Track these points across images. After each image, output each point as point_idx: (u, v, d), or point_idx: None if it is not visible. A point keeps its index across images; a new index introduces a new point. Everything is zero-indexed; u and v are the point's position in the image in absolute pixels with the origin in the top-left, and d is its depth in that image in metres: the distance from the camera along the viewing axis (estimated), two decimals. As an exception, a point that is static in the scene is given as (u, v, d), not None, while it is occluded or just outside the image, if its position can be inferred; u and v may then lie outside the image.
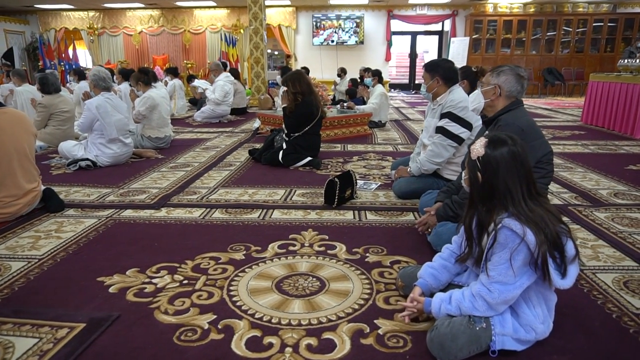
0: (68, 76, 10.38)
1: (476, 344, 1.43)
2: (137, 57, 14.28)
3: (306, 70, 10.38)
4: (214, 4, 13.36)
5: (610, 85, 6.40)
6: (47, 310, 1.76)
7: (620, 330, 1.63)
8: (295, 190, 3.44)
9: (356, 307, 1.79)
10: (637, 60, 6.41)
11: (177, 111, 8.57)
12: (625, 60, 6.66)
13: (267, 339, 1.58)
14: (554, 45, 13.12)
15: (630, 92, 5.91)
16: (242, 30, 13.59)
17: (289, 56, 14.30)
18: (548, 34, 13.03)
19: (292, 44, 14.13)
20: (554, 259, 1.42)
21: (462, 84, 4.15)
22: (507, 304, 1.47)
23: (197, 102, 8.80)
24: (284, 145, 4.31)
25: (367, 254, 2.29)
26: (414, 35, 14.88)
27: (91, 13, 14.04)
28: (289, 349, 1.53)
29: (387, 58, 14.20)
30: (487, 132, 2.27)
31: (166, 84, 8.31)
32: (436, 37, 14.89)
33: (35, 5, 13.27)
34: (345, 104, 7.99)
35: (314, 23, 13.72)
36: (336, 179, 3.01)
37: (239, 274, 2.07)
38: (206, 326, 1.66)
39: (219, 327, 1.66)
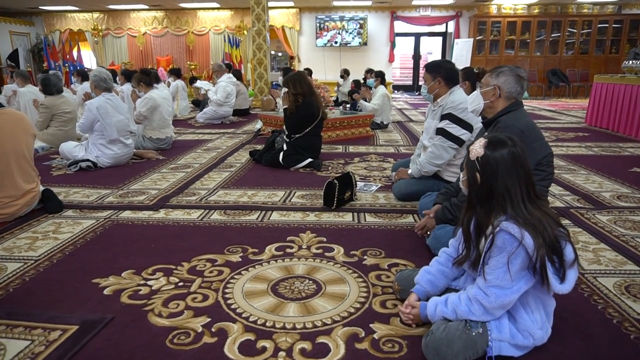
0: (72, 77, 10.41)
1: (472, 350, 1.41)
2: (141, 58, 14.32)
3: (309, 71, 10.38)
4: (217, 5, 13.38)
5: (615, 86, 6.35)
6: (41, 312, 1.74)
7: (621, 336, 1.60)
8: (295, 192, 3.42)
9: (352, 310, 1.77)
10: (642, 62, 6.35)
11: (179, 112, 8.59)
12: (630, 62, 6.61)
13: (261, 343, 1.56)
14: (558, 46, 13.05)
15: (635, 93, 5.86)
16: (245, 32, 13.61)
17: (292, 57, 14.30)
18: (552, 35, 12.95)
19: (296, 45, 14.13)
20: (553, 263, 1.40)
21: (463, 85, 4.12)
22: (504, 308, 1.44)
23: (199, 103, 8.81)
24: (285, 147, 4.29)
25: (365, 257, 2.27)
26: (417, 36, 14.84)
27: (95, 14, 14.10)
28: (282, 353, 1.51)
29: (391, 59, 14.16)
30: (486, 133, 2.24)
31: (169, 85, 8.32)
32: (440, 39, 14.84)
33: (41, 7, 13.34)
34: (347, 106, 7.98)
35: (318, 24, 13.71)
36: (335, 181, 2.99)
37: (235, 277, 2.06)
38: (200, 329, 1.64)
39: (213, 330, 1.64)
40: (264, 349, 1.53)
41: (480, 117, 2.45)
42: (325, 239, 2.50)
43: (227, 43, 12.53)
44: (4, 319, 1.70)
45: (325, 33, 13.78)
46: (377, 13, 13.78)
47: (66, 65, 12.29)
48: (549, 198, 3.18)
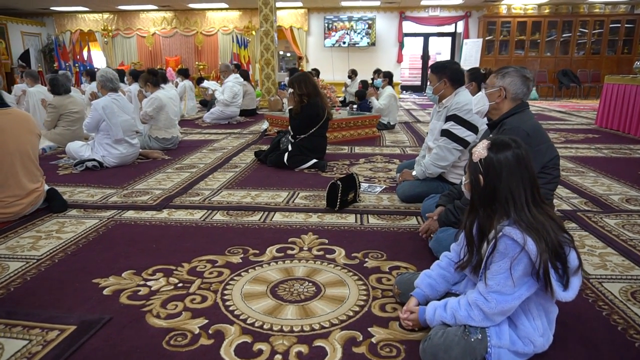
0: (82, 77, 10.51)
1: (470, 356, 1.38)
2: (150, 58, 14.41)
3: (316, 72, 10.37)
4: (226, 5, 13.42)
5: (626, 87, 6.25)
6: (40, 312, 1.75)
7: (625, 344, 1.56)
8: (299, 193, 3.41)
9: (351, 314, 1.75)
10: (654, 62, 6.25)
11: (187, 112, 8.62)
12: (642, 62, 6.50)
13: (257, 346, 1.55)
14: (569, 46, 12.89)
15: (647, 94, 5.76)
16: (253, 32, 13.63)
17: (300, 58, 14.30)
18: (563, 35, 12.80)
19: (304, 45, 14.13)
20: (556, 269, 1.36)
21: (470, 86, 4.08)
22: (505, 315, 1.41)
23: (207, 103, 8.84)
24: (290, 147, 4.28)
25: (366, 259, 2.24)
26: (426, 36, 14.76)
27: (106, 15, 14.21)
28: (278, 356, 1.49)
29: (399, 60, 14.10)
30: (490, 135, 2.21)
31: (177, 85, 8.36)
32: (449, 39, 14.74)
33: (52, 8, 13.48)
34: (354, 106, 7.94)
35: (326, 25, 13.69)
36: (338, 182, 2.97)
37: (235, 278, 2.05)
38: (197, 331, 1.64)
39: (210, 332, 1.63)
40: (260, 351, 1.52)
41: (485, 119, 2.42)
42: (326, 241, 2.48)
43: (235, 43, 12.57)
44: (4, 318, 1.70)
45: (333, 33, 13.75)
46: (386, 13, 13.73)
47: (76, 65, 12.41)
48: (555, 200, 3.13)
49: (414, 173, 3.22)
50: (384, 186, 3.59)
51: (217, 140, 5.91)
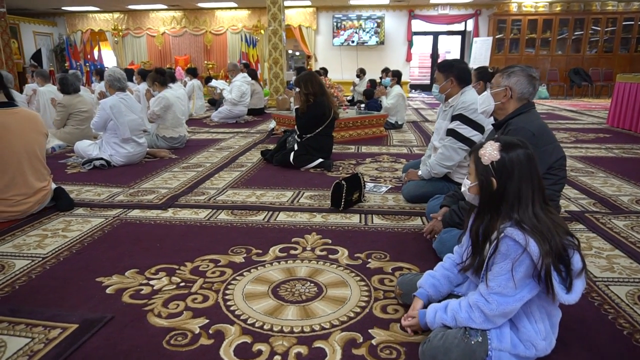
0: (92, 76, 10.62)
1: (470, 359, 1.36)
2: (160, 57, 14.51)
3: (324, 71, 10.36)
4: (235, 5, 13.47)
5: (639, 86, 6.14)
6: (43, 310, 1.76)
7: (631, 349, 1.53)
8: (304, 193, 3.41)
9: (352, 315, 1.74)
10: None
11: (195, 111, 8.66)
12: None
13: (257, 346, 1.55)
14: (581, 44, 12.72)
15: (659, 93, 5.66)
16: (262, 31, 13.66)
17: (309, 57, 14.30)
18: (575, 33, 12.63)
19: (312, 44, 14.12)
20: (559, 272, 1.34)
21: (477, 85, 4.05)
22: (506, 317, 1.39)
23: (215, 102, 8.87)
24: (296, 147, 4.28)
25: (369, 260, 2.23)
26: (435, 35, 14.67)
27: (116, 15, 14.34)
28: (277, 357, 1.49)
29: (408, 58, 14.03)
30: (496, 136, 2.18)
31: (185, 84, 8.40)
32: (458, 37, 14.64)
33: (63, 8, 13.63)
34: (362, 106, 7.91)
35: (335, 23, 13.67)
36: (343, 182, 2.96)
37: (237, 278, 2.05)
38: (197, 330, 1.64)
39: (210, 332, 1.63)
40: (260, 352, 1.52)
41: (492, 119, 2.39)
42: (330, 241, 2.47)
43: (244, 42, 12.61)
44: (8, 316, 1.72)
45: (342, 32, 13.73)
46: (395, 12, 13.67)
47: (87, 64, 12.53)
48: (563, 201, 3.09)
49: (419, 173, 3.19)
50: (390, 186, 3.57)
51: (224, 139, 5.92)
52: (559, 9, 12.59)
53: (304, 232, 2.61)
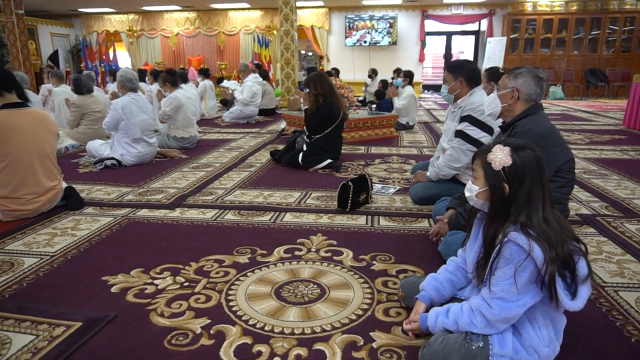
0: (107, 77, 10.76)
1: (471, 364, 1.34)
2: (174, 58, 14.66)
3: (336, 71, 10.34)
4: (248, 5, 13.54)
5: (656, 87, 6.02)
6: (49, 308, 1.79)
7: (638, 357, 1.49)
8: (311, 193, 3.40)
9: (353, 317, 1.73)
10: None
11: (207, 111, 8.72)
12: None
13: (257, 347, 1.55)
14: (597, 44, 12.50)
15: (678, 94, 5.53)
16: (275, 32, 13.70)
17: (321, 57, 14.30)
18: (592, 32, 12.42)
19: (325, 44, 14.12)
20: (564, 278, 1.31)
21: (488, 86, 3.99)
22: (508, 322, 1.37)
23: (227, 102, 8.92)
24: (305, 147, 4.28)
25: (374, 262, 2.22)
26: (449, 35, 14.56)
27: (131, 16, 14.52)
28: (277, 359, 1.49)
29: (421, 59, 13.95)
30: (502, 138, 2.15)
31: (197, 84, 8.47)
32: (472, 37, 14.50)
33: (79, 9, 13.85)
34: (373, 106, 7.89)
35: (347, 24, 13.66)
36: (350, 183, 2.95)
37: (240, 278, 2.05)
38: (198, 330, 1.64)
39: (211, 332, 1.64)
40: (260, 353, 1.52)
41: (500, 120, 2.36)
42: (335, 242, 2.46)
43: (256, 43, 12.66)
44: (14, 313, 1.75)
45: (354, 32, 13.71)
46: (408, 12, 13.60)
47: (102, 65, 12.71)
48: (574, 204, 3.04)
49: (427, 174, 3.17)
50: (398, 187, 3.55)
51: (234, 139, 5.95)
52: (575, 8, 12.38)
53: (310, 233, 2.61)
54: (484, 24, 13.58)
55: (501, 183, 1.37)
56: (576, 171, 3.95)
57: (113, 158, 4.25)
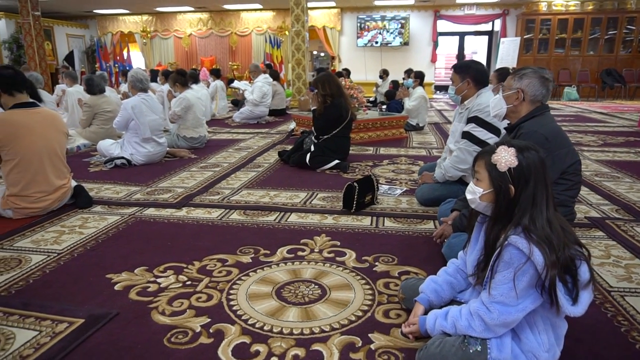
0: (120, 77, 10.91)
1: (468, 368, 1.33)
2: (186, 59, 14.79)
3: (347, 72, 10.34)
4: (260, 6, 13.59)
5: (672, 88, 5.89)
6: (53, 304, 1.82)
7: (642, 363, 1.47)
8: (317, 194, 3.40)
9: (353, 318, 1.72)
10: None
11: (218, 112, 8.78)
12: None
13: (255, 347, 1.55)
14: (614, 44, 12.28)
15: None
16: (287, 32, 13.73)
17: (333, 58, 14.30)
18: (608, 32, 12.20)
19: (336, 45, 14.12)
20: (565, 283, 1.28)
21: (499, 87, 3.95)
22: (507, 327, 1.35)
23: (238, 103, 8.98)
24: (312, 148, 4.28)
25: (377, 263, 2.21)
26: (462, 35, 14.43)
27: (145, 17, 14.69)
28: (274, 359, 1.49)
29: (433, 59, 13.86)
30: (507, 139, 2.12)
31: (208, 85, 8.53)
32: (485, 38, 14.36)
33: (95, 11, 14.06)
34: (383, 107, 7.86)
35: (359, 24, 13.63)
36: (355, 184, 2.94)
37: (242, 278, 2.06)
38: (198, 329, 1.66)
39: (211, 331, 1.65)
40: (257, 352, 1.52)
41: (506, 121, 2.33)
42: (339, 243, 2.46)
43: (268, 44, 12.70)
44: (20, 309, 1.78)
45: (365, 33, 13.68)
46: (420, 12, 13.53)
47: (116, 65, 12.87)
48: (583, 207, 3.00)
49: (434, 176, 3.15)
50: (405, 188, 3.53)
51: (244, 139, 5.98)
52: (591, 7, 12.19)
53: (314, 233, 2.61)
54: (498, 24, 13.44)
55: (507, 184, 1.35)
56: (587, 173, 3.93)
57: (123, 157, 4.30)
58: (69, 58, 13.91)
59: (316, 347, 1.55)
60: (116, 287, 1.98)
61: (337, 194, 3.36)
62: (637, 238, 2.48)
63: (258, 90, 7.44)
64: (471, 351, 1.34)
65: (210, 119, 7.86)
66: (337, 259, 2.26)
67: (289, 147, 4.83)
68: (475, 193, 1.43)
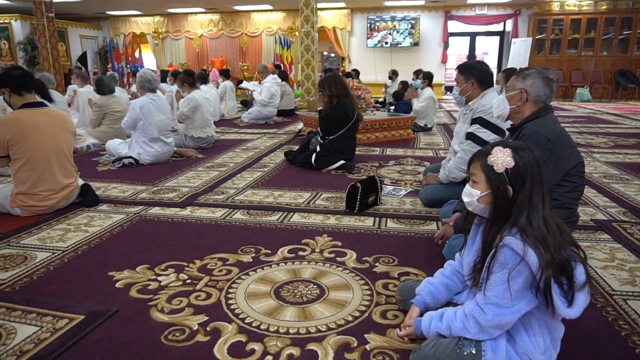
0: (131, 78, 11.03)
1: (461, 370, 1.32)
2: (197, 59, 14.91)
3: (356, 72, 10.33)
4: (270, 7, 13.65)
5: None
6: (55, 301, 1.84)
7: (641, 367, 1.44)
8: (321, 194, 3.41)
9: (350, 319, 1.72)
10: None
11: (227, 112, 8.84)
12: None
13: (250, 345, 1.56)
14: (628, 44, 12.09)
15: None
16: (297, 33, 13.77)
17: (343, 58, 14.30)
18: (622, 32, 12.02)
19: (346, 46, 14.12)
20: (560, 284, 1.27)
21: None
22: (502, 329, 1.34)
23: (247, 103, 9.02)
24: (318, 148, 4.29)
25: (377, 264, 2.21)
26: (472, 36, 14.33)
27: (156, 18, 14.84)
28: (269, 357, 1.50)
29: (444, 60, 13.79)
30: (507, 140, 2.11)
31: (218, 85, 8.58)
32: (497, 38, 14.25)
33: (107, 12, 14.24)
34: (391, 108, 7.83)
35: (369, 25, 13.62)
36: (358, 184, 2.94)
37: (242, 277, 2.07)
38: (195, 327, 1.67)
39: (208, 329, 1.66)
40: (253, 351, 1.53)
41: (509, 122, 2.31)
42: (340, 243, 2.46)
43: (278, 44, 12.75)
44: (22, 304, 1.81)
45: (375, 34, 13.66)
46: (430, 12, 13.46)
47: (128, 66, 13.02)
48: (589, 209, 2.96)
49: (438, 177, 3.13)
50: (409, 189, 3.51)
51: (251, 139, 6.01)
52: (604, 7, 12.02)
53: (316, 233, 2.61)
54: (509, 25, 13.33)
55: (505, 185, 1.34)
56: (596, 175, 3.88)
57: (131, 157, 4.35)
58: (82, 59, 14.10)
59: (311, 346, 1.55)
60: (117, 285, 2.00)
61: (341, 195, 3.35)
62: (644, 241, 2.44)
63: (266, 91, 7.47)
64: (465, 353, 1.34)
65: (219, 119, 7.92)
66: (338, 259, 2.27)
67: (296, 148, 4.84)
68: (473, 195, 1.42)
